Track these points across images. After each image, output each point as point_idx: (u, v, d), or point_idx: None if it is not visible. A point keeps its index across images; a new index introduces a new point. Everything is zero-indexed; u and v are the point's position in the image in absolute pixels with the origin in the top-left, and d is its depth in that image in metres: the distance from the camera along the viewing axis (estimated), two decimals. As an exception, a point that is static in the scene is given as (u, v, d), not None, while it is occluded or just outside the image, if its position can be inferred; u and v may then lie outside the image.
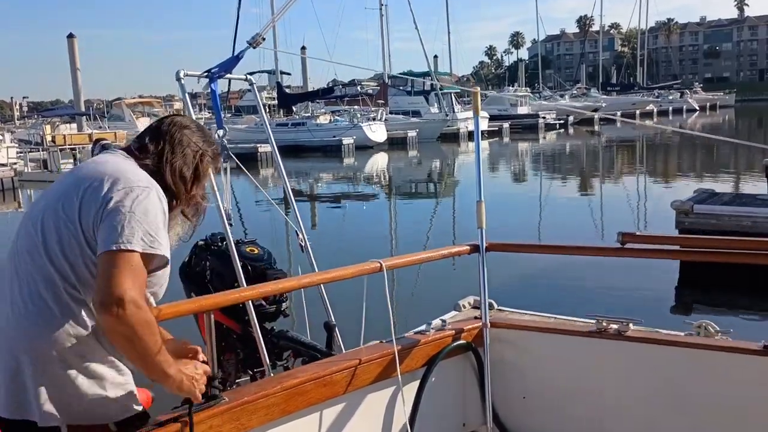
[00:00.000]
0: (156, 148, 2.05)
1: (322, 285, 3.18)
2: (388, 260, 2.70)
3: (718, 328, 2.75)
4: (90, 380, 1.87)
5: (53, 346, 1.83)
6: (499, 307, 3.32)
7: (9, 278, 1.90)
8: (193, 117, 3.43)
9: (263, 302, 3.21)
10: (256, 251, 3.38)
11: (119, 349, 1.86)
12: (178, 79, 2.92)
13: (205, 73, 2.95)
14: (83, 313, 1.86)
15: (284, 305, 3.39)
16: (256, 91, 3.58)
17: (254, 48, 2.92)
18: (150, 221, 1.84)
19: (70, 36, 37.27)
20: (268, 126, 3.79)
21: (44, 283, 1.85)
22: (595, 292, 8.75)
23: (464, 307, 3.24)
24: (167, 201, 1.98)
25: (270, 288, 2.65)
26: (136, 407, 1.99)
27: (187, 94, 3.00)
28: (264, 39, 2.92)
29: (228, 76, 2.98)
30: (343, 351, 3.06)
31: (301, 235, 3.41)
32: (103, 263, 1.79)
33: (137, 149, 2.06)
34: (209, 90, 3.01)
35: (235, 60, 2.93)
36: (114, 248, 1.78)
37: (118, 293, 1.73)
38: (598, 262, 8.99)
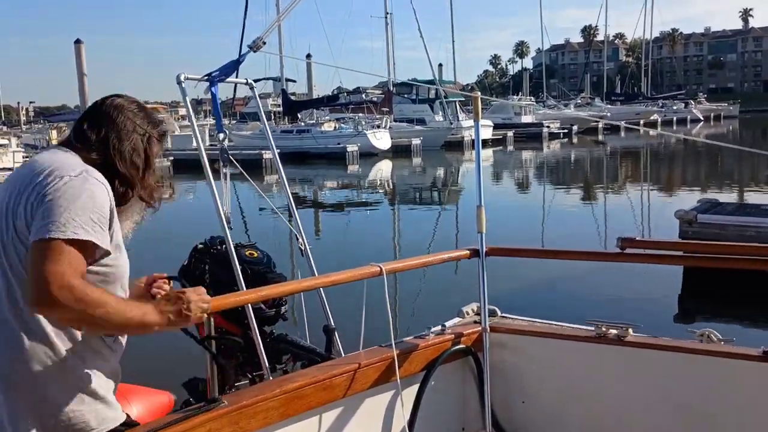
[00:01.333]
0: (98, 136, 1.92)
1: (321, 289, 3.19)
2: (388, 264, 2.71)
3: (720, 337, 2.74)
4: (65, 395, 1.81)
5: (21, 365, 1.76)
6: (503, 314, 3.32)
7: None
8: (195, 123, 3.46)
9: (262, 306, 3.21)
10: (256, 255, 3.38)
11: (84, 332, 1.79)
12: (179, 82, 2.94)
13: (206, 77, 2.97)
14: (46, 326, 1.78)
15: (284, 309, 3.39)
16: (257, 96, 3.59)
17: (255, 52, 2.93)
18: (78, 208, 1.72)
19: (78, 42, 37.53)
20: (268, 130, 3.80)
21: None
22: (597, 300, 8.74)
23: (468, 313, 3.24)
24: (123, 190, 1.92)
25: (270, 291, 2.65)
26: (117, 417, 1.93)
27: (188, 100, 3.01)
28: (265, 43, 2.93)
29: (229, 80, 3.00)
30: (343, 355, 3.06)
31: (300, 239, 3.42)
32: (29, 258, 1.70)
33: (77, 139, 1.94)
34: (209, 94, 3.01)
35: (235, 64, 2.94)
36: (37, 238, 1.68)
37: (44, 285, 1.62)
38: (602, 271, 9.02)
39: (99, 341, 1.89)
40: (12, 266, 1.78)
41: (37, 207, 1.74)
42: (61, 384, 1.81)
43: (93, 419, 1.85)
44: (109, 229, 1.82)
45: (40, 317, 1.76)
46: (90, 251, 1.75)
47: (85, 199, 1.75)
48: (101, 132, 1.94)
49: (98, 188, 1.81)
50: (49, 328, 1.78)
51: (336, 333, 3.30)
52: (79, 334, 1.83)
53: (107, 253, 1.81)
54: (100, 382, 1.88)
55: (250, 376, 3.35)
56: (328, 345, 3.26)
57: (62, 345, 1.80)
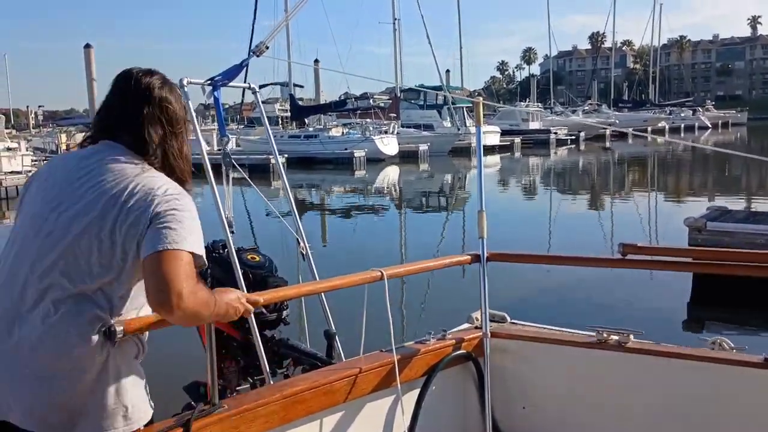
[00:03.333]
0: (156, 142, 1.96)
1: (323, 293, 3.19)
2: (389, 269, 2.71)
3: (732, 345, 2.73)
4: (101, 391, 1.87)
5: (65, 360, 1.82)
6: (512, 320, 3.32)
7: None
8: (198, 128, 3.47)
9: (264, 310, 3.22)
10: (258, 259, 3.39)
11: (185, 326, 1.93)
12: (181, 86, 2.95)
13: (208, 81, 2.98)
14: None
15: (285, 313, 3.39)
16: (259, 100, 3.60)
17: (258, 56, 2.94)
18: (193, 225, 1.88)
19: (87, 46, 37.76)
20: (270, 134, 3.81)
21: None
22: (605, 307, 8.70)
23: (477, 319, 3.22)
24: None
25: (271, 295, 2.66)
26: (143, 418, 1.96)
27: (190, 104, 3.01)
28: (267, 47, 2.94)
29: (231, 84, 3.01)
30: (344, 359, 3.06)
31: (302, 244, 3.43)
32: (151, 264, 1.79)
33: (138, 149, 1.95)
34: (212, 98, 3.03)
35: (238, 68, 2.96)
36: (160, 248, 1.79)
37: (177, 289, 1.75)
38: (613, 278, 8.98)
39: (135, 349, 1.97)
40: (72, 264, 1.83)
41: (154, 221, 1.83)
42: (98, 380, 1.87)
43: (121, 418, 1.90)
44: None
45: (90, 320, 1.82)
46: (198, 262, 1.87)
47: (193, 213, 1.91)
48: (157, 136, 1.98)
49: (192, 203, 1.94)
50: (95, 336, 1.83)
51: (337, 338, 3.30)
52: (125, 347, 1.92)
53: (204, 264, 1.93)
54: (135, 379, 1.95)
55: (251, 380, 3.36)
56: (329, 350, 3.26)
57: (104, 350, 1.86)
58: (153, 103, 1.97)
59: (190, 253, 1.83)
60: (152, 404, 2.00)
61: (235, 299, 2.04)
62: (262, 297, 2.32)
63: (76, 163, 1.95)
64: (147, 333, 2.00)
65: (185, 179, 2.02)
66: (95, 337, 1.82)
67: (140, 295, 1.89)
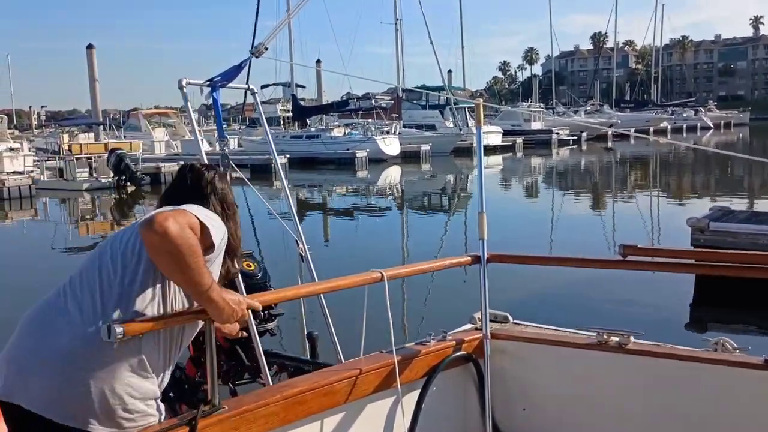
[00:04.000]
0: (223, 212, 2.29)
1: (322, 295, 3.19)
2: (390, 270, 2.70)
3: (736, 345, 2.72)
4: (117, 391, 1.99)
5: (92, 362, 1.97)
6: (515, 321, 3.31)
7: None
8: (196, 126, 3.48)
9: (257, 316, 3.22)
10: (252, 267, 3.37)
11: (164, 270, 2.01)
12: (180, 87, 2.96)
13: (207, 82, 2.98)
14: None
15: (271, 325, 3.42)
16: (258, 101, 3.60)
17: (257, 57, 2.94)
18: (212, 216, 2.12)
19: (89, 47, 37.71)
20: (269, 134, 3.81)
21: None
22: (605, 307, 8.69)
23: (479, 320, 3.23)
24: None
25: (270, 297, 2.66)
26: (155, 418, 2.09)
27: (189, 105, 3.02)
28: (267, 48, 2.94)
29: (230, 85, 3.01)
30: (343, 361, 3.06)
31: (301, 245, 3.42)
32: None
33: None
34: (211, 99, 3.02)
35: (237, 69, 2.95)
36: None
37: (163, 216, 1.90)
38: (616, 278, 8.96)
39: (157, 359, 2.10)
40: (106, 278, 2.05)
41: None
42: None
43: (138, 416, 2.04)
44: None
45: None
46: (204, 236, 2.02)
47: (220, 224, 2.17)
48: (223, 209, 2.32)
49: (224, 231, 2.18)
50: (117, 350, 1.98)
51: (318, 340, 3.30)
52: (144, 355, 2.04)
53: (212, 247, 2.07)
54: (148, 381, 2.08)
55: (231, 385, 3.37)
56: (312, 351, 3.23)
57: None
58: (215, 194, 2.33)
59: (198, 220, 1.98)
60: (161, 406, 2.10)
61: (237, 301, 2.11)
62: (262, 298, 2.33)
63: None
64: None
65: (237, 253, 2.38)
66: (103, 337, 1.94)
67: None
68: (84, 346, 1.95)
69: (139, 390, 2.02)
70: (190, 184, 2.31)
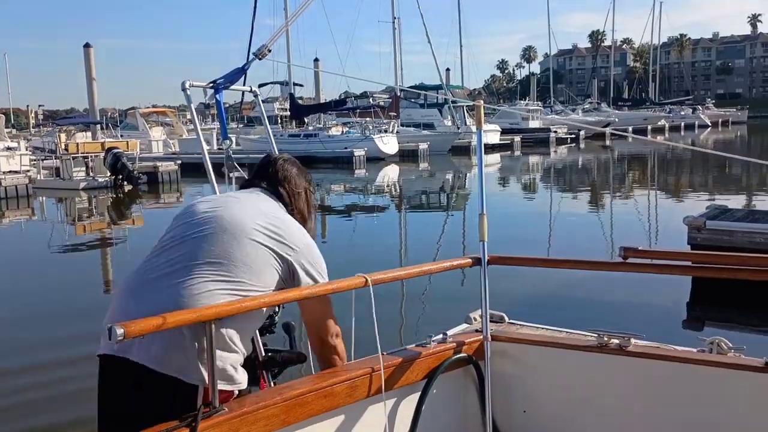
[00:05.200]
0: (288, 198, 2.61)
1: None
2: (374, 275, 2.63)
3: (731, 345, 2.73)
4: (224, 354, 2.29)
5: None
6: (511, 320, 3.31)
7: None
8: (199, 127, 3.48)
9: None
10: None
11: (322, 364, 2.59)
12: (184, 89, 2.95)
13: (210, 84, 2.98)
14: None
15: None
16: (260, 103, 3.60)
17: (260, 59, 2.93)
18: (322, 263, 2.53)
19: (87, 46, 37.63)
20: (271, 136, 3.81)
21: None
22: (605, 307, 8.72)
23: (475, 319, 3.22)
24: None
25: (252, 304, 2.62)
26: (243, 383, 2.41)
27: (193, 107, 3.02)
28: (270, 51, 2.93)
29: (233, 87, 3.00)
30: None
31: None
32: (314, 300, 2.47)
33: (278, 196, 2.60)
34: (214, 100, 3.02)
35: (240, 71, 2.95)
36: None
37: (335, 331, 2.51)
38: (612, 279, 8.97)
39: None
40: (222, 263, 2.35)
41: (301, 254, 2.46)
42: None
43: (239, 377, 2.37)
44: None
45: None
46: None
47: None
48: (287, 194, 2.64)
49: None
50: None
51: (295, 330, 3.26)
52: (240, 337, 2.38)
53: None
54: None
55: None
56: (291, 342, 3.16)
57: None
58: (283, 177, 2.67)
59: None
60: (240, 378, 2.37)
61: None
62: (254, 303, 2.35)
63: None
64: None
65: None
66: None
67: None
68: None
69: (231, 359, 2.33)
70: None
